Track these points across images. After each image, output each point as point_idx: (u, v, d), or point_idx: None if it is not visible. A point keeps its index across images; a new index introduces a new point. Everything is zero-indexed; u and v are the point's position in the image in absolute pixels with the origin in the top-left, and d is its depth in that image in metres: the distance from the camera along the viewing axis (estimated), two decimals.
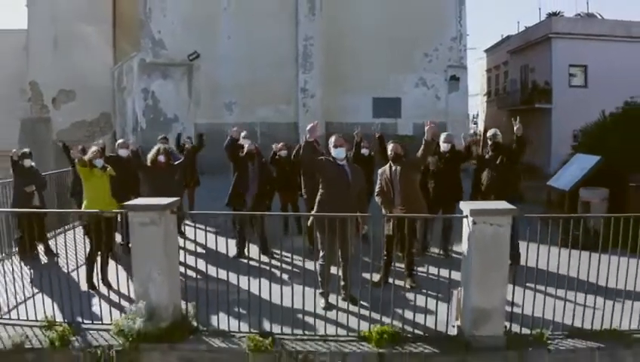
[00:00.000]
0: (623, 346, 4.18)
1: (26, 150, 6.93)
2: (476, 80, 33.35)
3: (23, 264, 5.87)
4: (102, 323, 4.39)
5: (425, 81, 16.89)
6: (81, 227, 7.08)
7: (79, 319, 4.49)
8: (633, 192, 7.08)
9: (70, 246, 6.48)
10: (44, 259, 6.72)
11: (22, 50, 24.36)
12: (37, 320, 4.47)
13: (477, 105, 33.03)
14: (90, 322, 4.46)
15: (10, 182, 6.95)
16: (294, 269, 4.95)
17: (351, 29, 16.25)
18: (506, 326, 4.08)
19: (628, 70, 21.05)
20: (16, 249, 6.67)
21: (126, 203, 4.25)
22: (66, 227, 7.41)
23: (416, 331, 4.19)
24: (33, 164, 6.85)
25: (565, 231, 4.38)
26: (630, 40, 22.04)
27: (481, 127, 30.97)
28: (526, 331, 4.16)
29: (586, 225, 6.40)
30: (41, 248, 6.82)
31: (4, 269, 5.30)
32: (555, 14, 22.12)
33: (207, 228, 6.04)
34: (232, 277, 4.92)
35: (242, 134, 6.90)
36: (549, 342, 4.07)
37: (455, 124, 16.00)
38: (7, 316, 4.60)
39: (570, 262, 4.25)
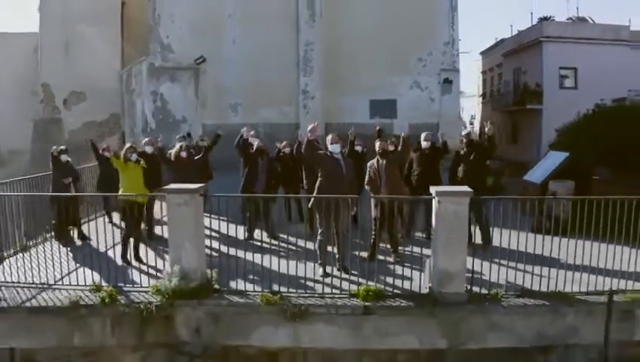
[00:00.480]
0: (566, 304, 5.20)
1: (63, 147, 7.96)
2: (473, 82, 34.46)
3: (60, 245, 6.95)
4: (140, 286, 5.44)
5: (419, 83, 17.91)
6: (106, 214, 8.18)
7: (120, 284, 5.53)
8: (596, 184, 8.09)
9: (100, 231, 7.52)
10: (77, 241, 7.75)
11: (32, 52, 25.46)
12: (85, 285, 5.50)
13: (474, 105, 34.13)
14: (131, 285, 5.51)
15: (50, 175, 7.96)
16: (297, 248, 6.03)
17: (349, 34, 17.27)
18: (467, 286, 5.12)
19: (617, 72, 22.09)
20: (52, 233, 7.69)
21: (164, 187, 5.31)
22: (96, 215, 8.45)
23: (395, 291, 5.24)
24: (69, 159, 7.88)
25: (534, 217, 5.44)
26: (619, 43, 23.09)
27: (477, 128, 32.03)
28: (485, 292, 5.20)
29: (549, 212, 7.42)
30: (74, 232, 7.84)
31: (44, 248, 6.35)
32: (546, 19, 23.18)
33: (220, 218, 7.06)
34: (246, 255, 5.99)
35: (251, 133, 7.97)
36: (503, 299, 5.12)
37: (448, 125, 17.08)
38: (59, 283, 5.64)
39: (535, 242, 5.30)
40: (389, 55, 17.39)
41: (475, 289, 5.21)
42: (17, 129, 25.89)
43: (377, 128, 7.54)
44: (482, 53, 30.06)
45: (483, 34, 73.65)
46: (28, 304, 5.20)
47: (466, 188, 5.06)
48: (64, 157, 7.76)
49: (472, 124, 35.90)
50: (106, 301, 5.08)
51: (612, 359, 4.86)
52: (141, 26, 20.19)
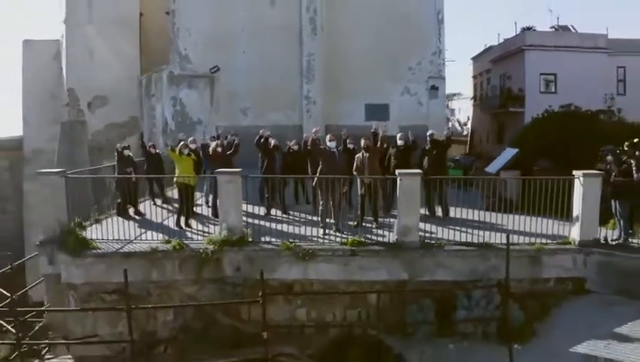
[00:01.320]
0: (491, 250, 7.73)
1: (126, 144, 10.54)
2: (467, 85, 37.04)
3: (121, 219, 9.49)
4: (197, 241, 8.01)
5: (409, 89, 20.43)
6: (151, 198, 10.76)
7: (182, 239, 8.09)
8: (536, 173, 10.61)
9: (148, 209, 10.07)
10: (135, 217, 10.30)
11: (53, 58, 28.05)
12: (158, 240, 8.05)
13: (470, 107, 36.71)
14: (191, 240, 8.08)
15: (114, 166, 10.52)
16: (304, 219, 8.60)
17: (346, 46, 19.82)
18: (421, 237, 7.68)
19: (595, 77, 24.67)
20: (115, 210, 10.23)
21: (218, 170, 7.89)
22: (145, 198, 11.02)
23: (373, 242, 7.80)
24: (131, 153, 10.45)
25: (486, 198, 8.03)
26: (597, 50, 25.62)
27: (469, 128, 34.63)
28: (433, 241, 7.77)
29: (499, 193, 9.97)
30: (132, 210, 10.38)
31: (112, 220, 8.86)
32: (528, 29, 25.73)
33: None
34: (267, 223, 8.57)
35: (268, 133, 10.54)
36: (446, 246, 7.67)
37: (434, 126, 19.59)
38: (138, 238, 8.19)
39: (478, 215, 7.88)
40: (382, 64, 19.90)
41: (432, 242, 7.78)
42: (40, 129, 28.54)
43: (372, 130, 10.02)
44: (473, 58, 32.65)
45: (475, 39, 77.23)
46: (120, 251, 7.76)
47: (417, 171, 7.63)
48: (126, 152, 10.32)
49: (465, 124, 38.52)
50: (176, 248, 7.64)
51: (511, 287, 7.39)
52: (157, 34, 22.78)
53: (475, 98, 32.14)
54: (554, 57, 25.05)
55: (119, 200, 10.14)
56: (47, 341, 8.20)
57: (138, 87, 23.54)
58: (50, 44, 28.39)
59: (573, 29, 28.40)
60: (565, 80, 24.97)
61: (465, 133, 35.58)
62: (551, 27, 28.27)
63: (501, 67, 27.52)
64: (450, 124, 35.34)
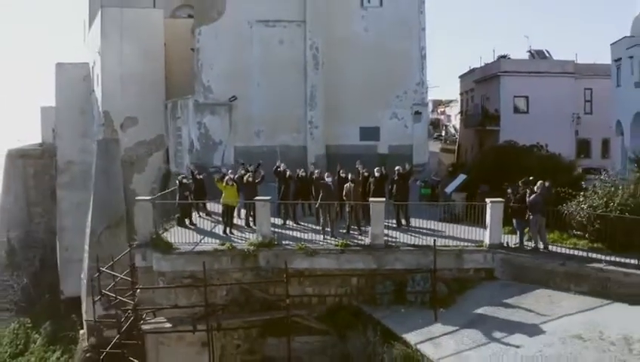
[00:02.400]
0: (430, 250, 12.37)
1: (185, 174, 15.24)
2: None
3: (181, 228, 14.17)
4: (241, 243, 12.72)
5: (397, 114, 25.00)
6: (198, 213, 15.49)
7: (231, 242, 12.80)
8: (478, 196, 15.22)
9: (198, 221, 14.76)
10: (190, 227, 15.00)
11: (82, 79, 32.90)
12: (216, 243, 12.74)
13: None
14: (237, 243, 12.80)
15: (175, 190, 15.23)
16: (310, 227, 13.32)
17: (344, 78, 24.44)
18: (385, 241, 12.36)
19: (563, 99, 29.31)
20: (175, 222, 14.91)
21: (255, 198, 12.59)
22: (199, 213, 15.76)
23: (355, 244, 12.52)
24: (188, 181, 15.14)
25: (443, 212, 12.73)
26: (565, 75, 30.24)
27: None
28: (393, 244, 12.47)
29: (451, 209, 14.66)
30: (187, 221, 15.06)
31: (175, 230, 13.51)
32: (503, 57, 30.35)
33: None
34: (285, 232, 13.31)
35: (283, 165, 15.23)
36: (401, 247, 12.36)
37: (417, 146, 24.34)
38: (202, 242, 12.90)
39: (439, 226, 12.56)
40: (374, 93, 24.51)
41: (392, 243, 12.47)
42: (71, 142, 33.60)
43: (358, 167, 14.63)
44: (460, 76, 37.33)
45: (471, 52, 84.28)
46: (193, 251, 12.47)
47: (382, 199, 12.31)
48: (185, 180, 15.02)
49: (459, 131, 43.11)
50: (229, 248, 12.36)
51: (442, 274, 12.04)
52: (178, 61, 27.55)
53: (461, 113, 36.79)
54: (526, 82, 29.70)
55: (178, 215, 14.84)
56: (155, 307, 12.78)
57: (164, 110, 28.28)
58: (80, 66, 33.35)
59: (548, 53, 32.98)
60: (536, 102, 29.62)
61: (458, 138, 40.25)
62: (527, 51, 32.86)
63: (482, 88, 32.19)
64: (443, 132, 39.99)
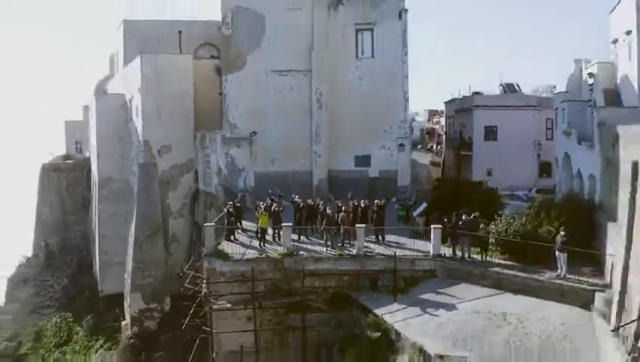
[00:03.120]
0: (393, 259, 20.28)
1: (230, 203, 23.16)
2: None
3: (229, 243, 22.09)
4: (272, 253, 20.68)
5: (384, 146, 32.96)
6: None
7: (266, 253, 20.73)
8: (431, 221, 22.96)
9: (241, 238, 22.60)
10: (234, 241, 22.92)
11: (119, 108, 40.89)
12: (256, 253, 20.70)
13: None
14: (269, 253, 20.77)
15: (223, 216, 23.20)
16: (317, 242, 21.29)
17: (342, 117, 32.43)
18: (365, 252, 20.28)
19: (527, 128, 37.19)
20: (223, 238, 22.81)
21: (283, 224, 20.54)
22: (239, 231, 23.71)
23: (347, 254, 20.48)
24: (231, 209, 23.09)
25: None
26: (529, 108, 38.13)
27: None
28: (370, 254, 20.41)
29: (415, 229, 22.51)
30: (232, 237, 22.98)
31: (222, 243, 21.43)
32: (477, 93, 38.29)
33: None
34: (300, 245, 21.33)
35: (297, 197, 23.16)
36: (376, 256, 20.30)
37: (401, 171, 32.26)
38: (246, 252, 20.84)
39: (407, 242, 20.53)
40: (366, 129, 32.49)
41: (369, 253, 20.39)
42: (110, 162, 41.76)
43: (349, 200, 22.54)
44: (445, 102, 45.33)
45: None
46: (243, 258, 20.42)
47: (363, 225, 20.21)
48: (230, 209, 22.93)
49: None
50: (266, 257, 20.32)
51: (400, 273, 19.93)
52: (205, 99, 35.44)
53: (446, 134, 44.76)
54: (496, 114, 37.73)
55: (226, 233, 22.75)
56: (218, 294, 20.60)
57: (193, 139, 36.15)
58: (118, 97, 41.60)
59: (517, 86, 40.91)
60: (504, 131, 37.58)
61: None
62: (500, 85, 40.79)
63: (459, 117, 40.18)
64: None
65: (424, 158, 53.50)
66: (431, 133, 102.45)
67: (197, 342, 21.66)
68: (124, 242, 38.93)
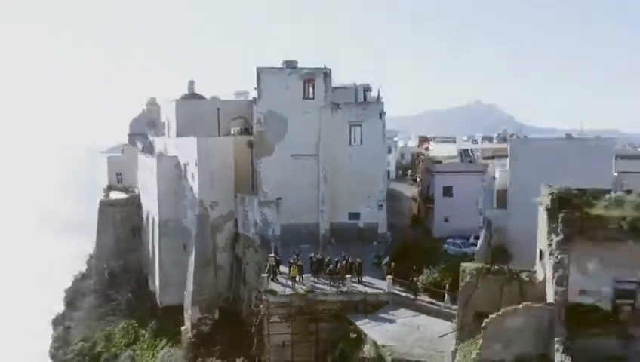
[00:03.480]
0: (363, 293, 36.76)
1: (274, 255, 39.69)
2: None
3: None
4: (300, 289, 37.24)
5: (369, 206, 49.78)
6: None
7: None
8: (390, 269, 39.45)
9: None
10: (276, 280, 39.40)
11: (174, 168, 57.47)
12: (292, 289, 37.21)
13: None
14: (298, 290, 37.37)
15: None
16: (324, 282, 37.92)
17: (340, 187, 49.06)
18: (352, 289, 36.78)
19: (473, 187, 53.54)
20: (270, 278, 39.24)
21: (305, 276, 37.15)
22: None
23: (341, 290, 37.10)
24: (279, 257, 39.61)
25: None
26: (474, 173, 54.45)
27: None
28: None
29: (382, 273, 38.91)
30: (274, 278, 39.42)
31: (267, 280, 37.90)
32: (437, 162, 54.77)
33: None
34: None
35: (314, 256, 39.66)
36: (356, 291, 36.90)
37: (381, 222, 48.87)
38: (290, 286, 37.34)
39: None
40: (356, 195, 49.30)
41: (354, 291, 36.88)
42: (167, 208, 58.43)
43: (343, 261, 38.91)
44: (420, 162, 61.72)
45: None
46: (284, 293, 36.89)
47: (349, 275, 36.70)
48: (272, 260, 39.42)
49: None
50: (296, 292, 36.79)
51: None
52: (242, 168, 51.94)
53: (419, 185, 61.27)
54: (451, 177, 53.98)
55: (271, 276, 39.18)
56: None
57: (234, 198, 52.72)
58: (173, 158, 58.21)
59: (472, 152, 57.24)
60: (457, 189, 53.85)
61: None
62: (458, 152, 57.17)
63: (426, 176, 56.67)
64: None
65: (409, 190, 69.67)
66: (420, 156, 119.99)
67: (255, 339, 38.02)
68: (178, 267, 55.97)
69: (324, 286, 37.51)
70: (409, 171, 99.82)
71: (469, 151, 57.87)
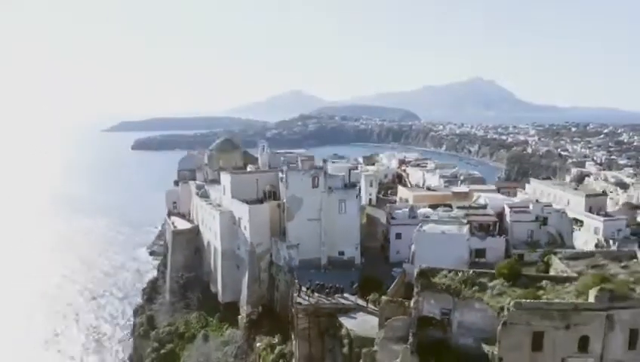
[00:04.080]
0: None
1: (307, 286, 76.55)
2: None
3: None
4: (313, 301, 74.26)
5: (351, 246, 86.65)
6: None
7: None
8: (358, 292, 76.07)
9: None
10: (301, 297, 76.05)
11: (229, 219, 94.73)
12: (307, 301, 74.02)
13: None
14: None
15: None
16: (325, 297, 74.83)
17: (334, 236, 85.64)
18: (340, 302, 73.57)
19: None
20: (297, 295, 75.77)
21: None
22: None
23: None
24: (300, 282, 76.45)
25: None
26: (415, 225, 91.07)
27: None
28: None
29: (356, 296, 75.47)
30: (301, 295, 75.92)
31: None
32: (393, 218, 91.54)
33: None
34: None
35: (318, 282, 76.40)
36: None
37: (356, 257, 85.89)
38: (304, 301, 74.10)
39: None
40: (343, 240, 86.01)
41: (342, 304, 73.64)
42: (228, 243, 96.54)
43: (334, 284, 75.36)
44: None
45: None
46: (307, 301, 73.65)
47: (338, 294, 73.48)
48: (298, 288, 76.11)
49: None
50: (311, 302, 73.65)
51: None
52: (273, 219, 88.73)
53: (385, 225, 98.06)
54: (402, 227, 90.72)
55: (297, 294, 75.79)
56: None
57: (270, 240, 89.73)
58: (229, 212, 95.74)
59: (415, 209, 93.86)
60: (405, 234, 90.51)
61: None
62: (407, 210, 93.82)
63: (386, 225, 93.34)
64: None
65: (383, 216, 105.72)
66: (400, 177, 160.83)
67: (289, 326, 74.42)
68: (233, 278, 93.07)
69: (324, 299, 73.66)
70: (389, 191, 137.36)
71: (414, 207, 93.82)
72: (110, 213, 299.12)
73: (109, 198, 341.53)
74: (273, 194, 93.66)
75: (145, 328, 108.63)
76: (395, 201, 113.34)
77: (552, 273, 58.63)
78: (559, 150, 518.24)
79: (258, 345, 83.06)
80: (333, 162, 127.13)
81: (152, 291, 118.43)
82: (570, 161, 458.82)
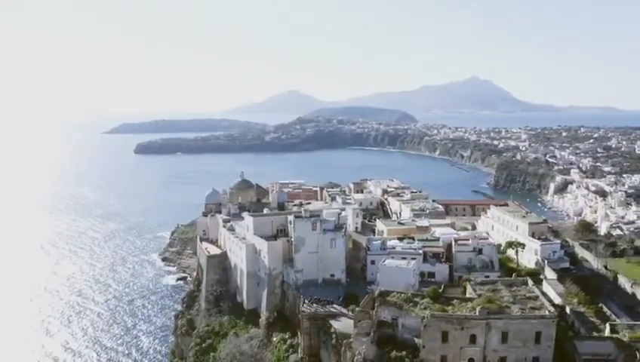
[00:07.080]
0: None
1: (304, 298, 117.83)
2: None
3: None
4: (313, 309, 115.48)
5: (339, 271, 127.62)
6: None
7: None
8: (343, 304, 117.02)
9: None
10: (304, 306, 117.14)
11: (253, 252, 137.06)
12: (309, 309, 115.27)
13: None
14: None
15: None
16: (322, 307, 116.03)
17: (326, 264, 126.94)
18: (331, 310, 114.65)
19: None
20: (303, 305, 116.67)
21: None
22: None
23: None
24: (303, 297, 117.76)
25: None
26: (387, 255, 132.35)
27: None
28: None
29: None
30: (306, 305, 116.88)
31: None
32: (368, 249, 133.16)
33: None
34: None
35: (316, 297, 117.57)
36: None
37: (342, 280, 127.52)
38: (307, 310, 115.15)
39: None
40: (333, 267, 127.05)
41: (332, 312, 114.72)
42: (250, 267, 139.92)
43: (326, 298, 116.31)
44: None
45: None
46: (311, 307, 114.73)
47: (329, 305, 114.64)
48: (305, 302, 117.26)
49: None
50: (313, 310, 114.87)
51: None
52: (285, 249, 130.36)
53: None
54: (375, 256, 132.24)
55: (305, 304, 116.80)
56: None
57: (282, 265, 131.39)
58: (252, 245, 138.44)
59: (385, 243, 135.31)
60: (377, 261, 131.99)
61: None
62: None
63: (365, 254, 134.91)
64: None
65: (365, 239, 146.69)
66: (382, 204, 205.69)
67: (297, 326, 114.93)
68: (255, 291, 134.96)
69: (320, 308, 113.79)
70: (374, 216, 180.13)
71: (385, 241, 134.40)
72: (121, 217, 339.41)
73: (118, 203, 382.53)
74: (283, 232, 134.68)
75: (186, 328, 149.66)
76: (375, 231, 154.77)
77: (467, 294, 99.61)
78: (547, 156, 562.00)
79: (274, 339, 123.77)
80: (328, 199, 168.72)
81: (189, 300, 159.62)
82: (556, 168, 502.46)
